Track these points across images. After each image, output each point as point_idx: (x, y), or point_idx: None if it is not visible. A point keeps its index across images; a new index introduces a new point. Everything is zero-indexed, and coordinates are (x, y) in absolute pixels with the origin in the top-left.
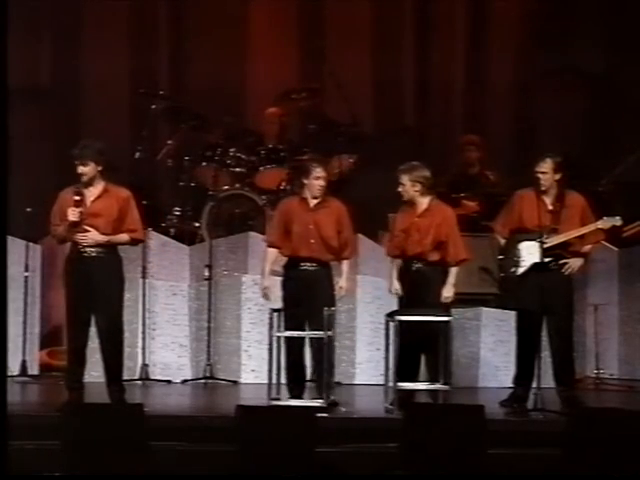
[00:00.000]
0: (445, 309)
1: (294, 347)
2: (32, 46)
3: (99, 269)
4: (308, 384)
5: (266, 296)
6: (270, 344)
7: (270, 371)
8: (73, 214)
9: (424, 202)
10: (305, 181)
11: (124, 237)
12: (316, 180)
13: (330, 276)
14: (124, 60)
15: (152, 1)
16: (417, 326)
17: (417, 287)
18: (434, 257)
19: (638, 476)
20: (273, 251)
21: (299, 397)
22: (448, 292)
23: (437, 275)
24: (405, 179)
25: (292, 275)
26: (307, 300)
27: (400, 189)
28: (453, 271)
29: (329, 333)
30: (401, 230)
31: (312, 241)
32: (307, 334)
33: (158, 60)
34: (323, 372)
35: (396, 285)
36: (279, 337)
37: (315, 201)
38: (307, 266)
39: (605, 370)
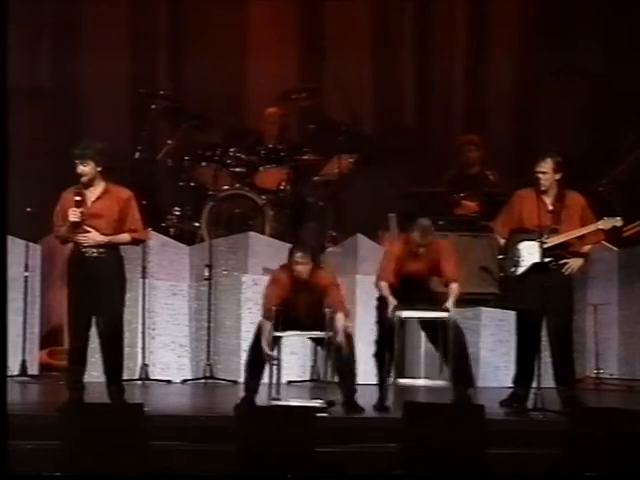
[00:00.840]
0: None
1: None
2: (32, 46)
3: (100, 269)
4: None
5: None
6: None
7: (270, 371)
8: (74, 214)
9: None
10: (290, 260)
11: (125, 237)
12: (295, 265)
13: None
14: (124, 60)
15: (152, 1)
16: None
17: None
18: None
19: (638, 476)
20: (269, 322)
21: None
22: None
23: None
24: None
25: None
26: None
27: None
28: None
29: (330, 334)
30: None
31: (304, 316)
32: (307, 334)
33: (158, 60)
34: (325, 372)
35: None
36: (280, 337)
37: (304, 276)
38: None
39: (605, 370)
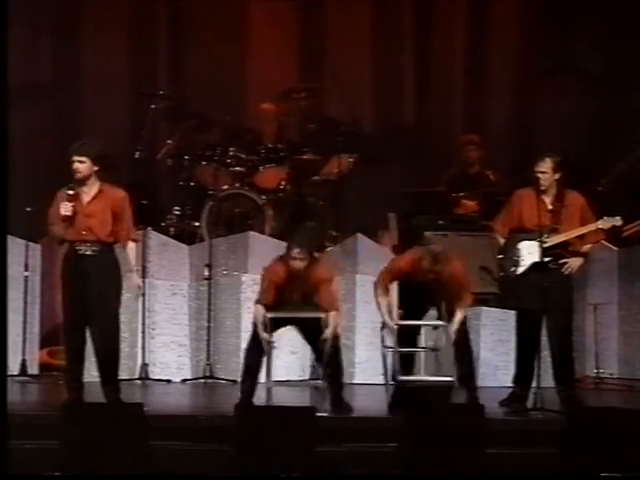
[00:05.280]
0: None
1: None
2: (32, 45)
3: (94, 267)
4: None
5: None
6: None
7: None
8: (65, 208)
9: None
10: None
11: (131, 245)
12: (293, 260)
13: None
14: (124, 59)
15: (152, 0)
16: None
17: None
18: None
19: (638, 476)
20: (262, 309)
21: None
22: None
23: None
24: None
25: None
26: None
27: None
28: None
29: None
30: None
31: (297, 303)
32: (302, 314)
33: (158, 59)
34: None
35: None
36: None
37: (300, 273)
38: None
39: (605, 370)
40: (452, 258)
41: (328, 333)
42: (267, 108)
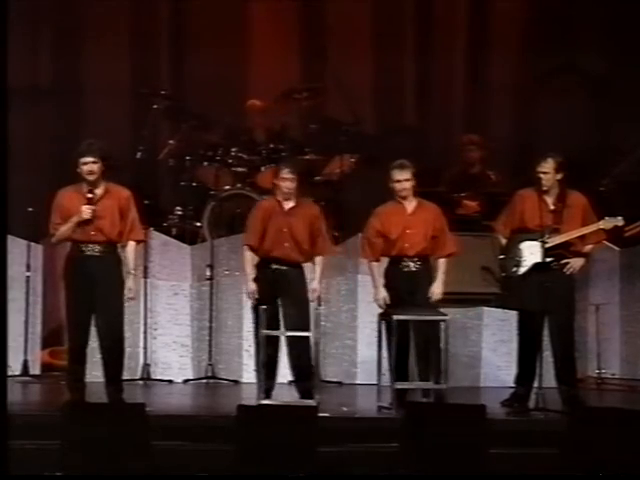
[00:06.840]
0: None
1: (270, 345)
2: (32, 46)
3: (100, 268)
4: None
5: (254, 299)
6: (257, 343)
7: (258, 370)
8: (87, 212)
9: (413, 200)
10: (275, 181)
11: (132, 245)
12: (283, 182)
13: (302, 276)
14: (125, 60)
15: (153, 0)
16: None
17: (412, 286)
18: (427, 253)
19: (638, 476)
20: (252, 253)
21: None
22: (438, 288)
23: (430, 273)
24: (407, 174)
25: (264, 274)
26: (279, 299)
27: (406, 185)
28: (442, 266)
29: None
30: (391, 231)
31: (286, 244)
32: (293, 334)
33: (159, 59)
34: (305, 371)
35: (384, 293)
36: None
37: (289, 204)
38: (279, 266)
39: (606, 370)
40: None
41: (316, 283)
42: (252, 105)
